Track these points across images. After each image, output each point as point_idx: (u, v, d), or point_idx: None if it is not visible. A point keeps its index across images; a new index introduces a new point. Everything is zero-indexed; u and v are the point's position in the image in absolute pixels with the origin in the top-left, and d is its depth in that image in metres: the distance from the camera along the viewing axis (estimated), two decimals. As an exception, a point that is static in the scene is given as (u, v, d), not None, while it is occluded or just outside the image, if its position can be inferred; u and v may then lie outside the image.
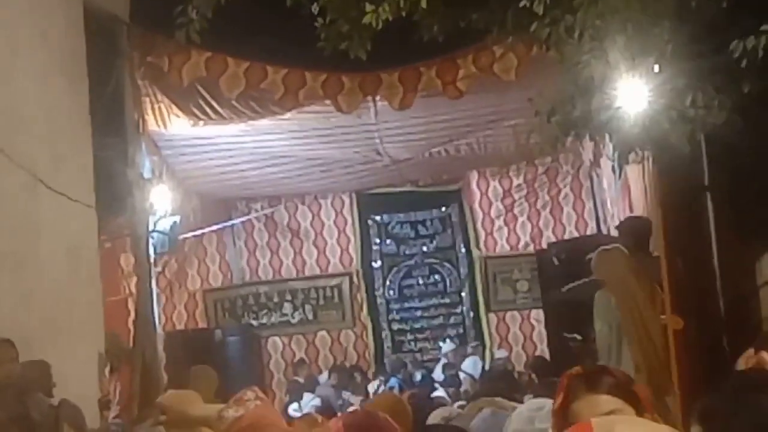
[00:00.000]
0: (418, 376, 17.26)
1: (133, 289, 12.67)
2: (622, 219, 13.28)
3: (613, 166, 13.50)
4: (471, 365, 17.16)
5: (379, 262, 18.70)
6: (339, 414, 9.59)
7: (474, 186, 18.24)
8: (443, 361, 17.58)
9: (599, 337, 9.48)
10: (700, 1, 5.92)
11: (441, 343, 18.15)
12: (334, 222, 18.61)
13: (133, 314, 12.50)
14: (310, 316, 18.53)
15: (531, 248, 17.69)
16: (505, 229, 18.20)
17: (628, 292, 9.31)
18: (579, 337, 11.48)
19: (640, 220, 10.61)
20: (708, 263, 8.58)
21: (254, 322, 18.29)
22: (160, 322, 14.11)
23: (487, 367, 17.21)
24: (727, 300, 8.55)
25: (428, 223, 18.70)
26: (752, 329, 8.28)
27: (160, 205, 13.09)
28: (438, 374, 17.37)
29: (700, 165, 8.29)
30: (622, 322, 9.25)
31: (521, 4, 6.40)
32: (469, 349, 17.79)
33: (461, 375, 16.94)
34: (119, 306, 13.40)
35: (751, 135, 6.76)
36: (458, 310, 18.61)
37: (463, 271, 18.55)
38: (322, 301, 18.52)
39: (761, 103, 6.34)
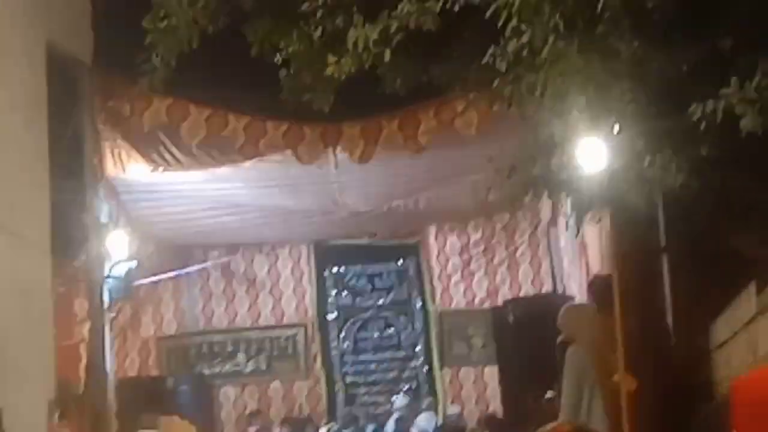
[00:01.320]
0: (369, 430, 17.18)
1: (86, 335, 12.56)
2: (578, 278, 13.37)
3: (568, 224, 13.63)
4: (426, 420, 17.09)
5: (334, 314, 18.64)
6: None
7: (432, 240, 18.25)
8: (396, 415, 17.49)
9: (568, 395, 9.47)
10: (661, 63, 5.97)
11: (395, 397, 18.09)
12: (291, 272, 18.53)
13: (84, 360, 12.38)
14: (264, 367, 18.42)
15: (487, 304, 17.67)
16: (462, 285, 18.18)
17: (601, 350, 9.33)
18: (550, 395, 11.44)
19: (607, 279, 10.66)
20: (662, 324, 8.63)
21: (207, 371, 18.15)
22: (112, 369, 13.97)
23: (440, 423, 17.14)
24: (680, 361, 8.58)
25: (385, 276, 18.67)
26: (705, 392, 8.32)
27: (117, 250, 13.00)
28: (390, 428, 17.29)
29: (656, 226, 8.35)
30: (598, 379, 9.25)
31: (484, 61, 6.44)
32: (424, 404, 17.73)
33: (414, 430, 16.86)
34: (72, 351, 13.24)
35: (708, 198, 6.80)
36: (412, 365, 18.55)
37: (419, 325, 18.51)
38: (276, 352, 18.42)
39: (718, 167, 6.38)
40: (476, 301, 18.10)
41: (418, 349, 18.53)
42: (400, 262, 18.63)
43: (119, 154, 12.38)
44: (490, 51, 6.37)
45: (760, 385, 4.23)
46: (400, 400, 17.77)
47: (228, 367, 18.34)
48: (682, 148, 6.22)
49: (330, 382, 18.44)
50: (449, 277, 18.23)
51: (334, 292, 18.66)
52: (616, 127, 6.36)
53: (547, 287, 17.38)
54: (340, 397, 18.48)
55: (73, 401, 11.12)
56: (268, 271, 18.51)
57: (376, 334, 18.67)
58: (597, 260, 11.59)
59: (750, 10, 6.06)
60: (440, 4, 6.43)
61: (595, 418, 8.92)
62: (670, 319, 8.58)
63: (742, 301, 7.18)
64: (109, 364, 12.97)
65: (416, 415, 17.28)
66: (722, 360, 8.16)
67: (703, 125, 5.87)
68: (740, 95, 5.72)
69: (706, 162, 6.21)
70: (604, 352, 9.32)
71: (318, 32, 6.91)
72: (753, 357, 6.89)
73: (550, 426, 3.80)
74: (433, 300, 18.32)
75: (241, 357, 18.37)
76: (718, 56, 6.05)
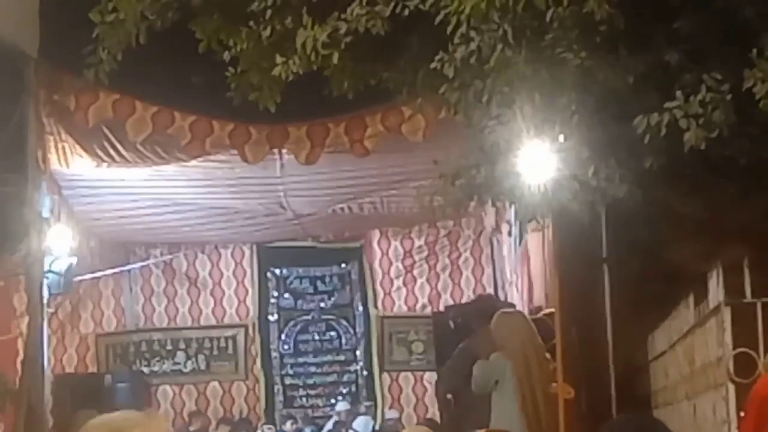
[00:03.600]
0: (306, 432, 17.18)
1: (24, 330, 12.45)
2: (520, 286, 13.43)
3: (510, 231, 13.70)
4: (362, 425, 17.10)
5: (275, 316, 18.59)
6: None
7: (375, 245, 18.25)
8: (335, 418, 17.49)
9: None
10: (608, 75, 6.00)
11: (336, 401, 18.10)
12: (233, 273, 18.48)
13: (22, 355, 12.27)
14: (203, 366, 18.34)
15: (428, 310, 17.72)
16: (404, 290, 18.21)
17: (525, 359, 9.39)
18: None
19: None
20: (601, 335, 8.68)
21: (146, 370, 18.06)
22: (49, 364, 13.87)
23: (377, 428, 17.15)
24: (618, 372, 8.65)
25: (327, 279, 18.65)
26: (641, 402, 8.39)
27: (57, 245, 12.90)
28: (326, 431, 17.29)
29: (599, 237, 8.40)
30: (516, 387, 9.32)
31: (432, 66, 6.45)
32: (362, 408, 17.74)
33: (350, 434, 16.88)
34: (9, 346, 13.16)
35: (650, 210, 6.86)
36: (352, 368, 18.54)
37: (360, 329, 18.50)
38: (215, 352, 18.35)
39: (661, 180, 6.43)
40: (418, 306, 18.14)
41: (358, 353, 18.52)
42: (343, 265, 18.61)
43: (63, 149, 12.29)
44: (438, 57, 6.38)
45: None
46: (341, 405, 17.78)
47: (167, 365, 18.25)
48: (626, 160, 6.26)
49: (269, 384, 18.40)
50: (391, 281, 18.25)
51: (275, 293, 18.60)
52: (561, 137, 6.39)
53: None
54: (279, 398, 18.43)
55: (9, 396, 11.03)
56: (210, 270, 18.44)
57: (316, 337, 18.64)
58: (539, 268, 11.65)
59: (697, 25, 6.11)
60: (390, 8, 6.43)
61: (513, 425, 8.99)
62: (608, 330, 8.64)
63: (681, 314, 7.24)
64: (47, 359, 12.87)
65: (354, 419, 17.29)
66: (660, 370, 8.23)
67: (647, 138, 5.91)
68: (685, 109, 5.77)
69: (649, 174, 6.25)
70: (531, 362, 9.42)
71: (267, 32, 6.89)
72: (689, 368, 6.95)
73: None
74: (375, 304, 18.33)
75: (180, 356, 18.28)
76: (664, 70, 6.10)
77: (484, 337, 10.12)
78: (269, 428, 17.19)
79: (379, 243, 18.23)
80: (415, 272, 18.15)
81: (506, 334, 9.67)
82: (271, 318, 18.57)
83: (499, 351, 9.66)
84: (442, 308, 16.63)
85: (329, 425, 17.36)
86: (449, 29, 6.21)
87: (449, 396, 11.39)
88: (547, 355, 9.22)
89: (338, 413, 17.61)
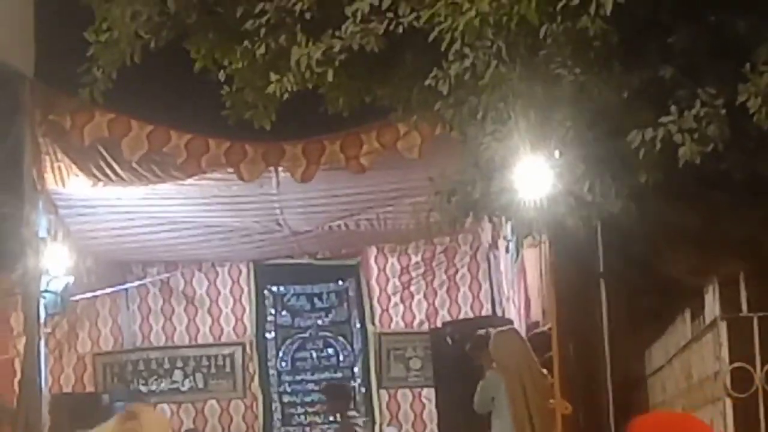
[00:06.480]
0: (304, 450, 17.15)
1: (22, 350, 12.43)
2: (517, 302, 13.43)
3: (507, 247, 13.70)
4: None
5: (273, 333, 18.56)
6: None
7: (372, 261, 18.25)
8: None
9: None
10: (602, 90, 6.01)
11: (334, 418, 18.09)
12: (230, 291, 18.46)
13: (19, 375, 12.26)
14: (201, 385, 18.31)
15: (426, 326, 17.71)
16: (401, 306, 18.19)
17: (519, 376, 9.41)
18: None
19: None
20: (599, 350, 8.68)
21: (143, 388, 18.03)
22: (46, 384, 13.84)
23: (376, 444, 17.14)
24: (615, 387, 8.64)
25: (324, 296, 18.63)
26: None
27: (54, 265, 12.89)
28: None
29: (595, 252, 8.40)
30: (509, 405, 9.34)
31: (426, 83, 6.45)
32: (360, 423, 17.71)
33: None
34: (6, 366, 13.15)
35: (646, 224, 6.86)
36: (350, 386, 18.51)
37: (357, 346, 18.49)
38: (213, 370, 18.32)
39: (656, 194, 6.44)
40: (415, 322, 18.12)
41: (356, 369, 18.49)
42: (341, 282, 18.59)
43: (59, 168, 12.29)
44: (433, 74, 6.39)
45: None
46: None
47: (165, 384, 18.22)
48: (621, 175, 6.26)
49: (267, 402, 18.36)
50: (389, 298, 18.23)
51: (273, 311, 18.58)
52: (557, 153, 6.39)
53: (486, 310, 17.44)
54: (277, 416, 18.40)
55: (7, 416, 11.02)
56: (207, 288, 18.42)
57: (314, 354, 18.61)
58: (535, 284, 11.65)
59: (691, 40, 6.12)
60: (384, 25, 6.44)
61: None
62: (606, 344, 8.64)
63: (677, 328, 7.24)
64: (44, 379, 12.86)
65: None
66: (657, 385, 8.22)
67: (642, 153, 5.91)
68: (679, 124, 5.77)
69: (644, 189, 6.26)
70: (526, 381, 9.44)
71: (261, 50, 6.90)
72: (687, 383, 6.95)
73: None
74: (373, 321, 18.31)
75: (178, 374, 18.25)
76: (659, 85, 6.10)
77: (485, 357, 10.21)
78: None
79: (375, 259, 18.22)
80: (412, 288, 18.14)
81: (501, 353, 9.73)
82: (268, 335, 18.55)
83: (494, 369, 9.71)
84: (439, 324, 16.64)
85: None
86: (443, 46, 6.22)
87: None
88: (544, 371, 9.22)
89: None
